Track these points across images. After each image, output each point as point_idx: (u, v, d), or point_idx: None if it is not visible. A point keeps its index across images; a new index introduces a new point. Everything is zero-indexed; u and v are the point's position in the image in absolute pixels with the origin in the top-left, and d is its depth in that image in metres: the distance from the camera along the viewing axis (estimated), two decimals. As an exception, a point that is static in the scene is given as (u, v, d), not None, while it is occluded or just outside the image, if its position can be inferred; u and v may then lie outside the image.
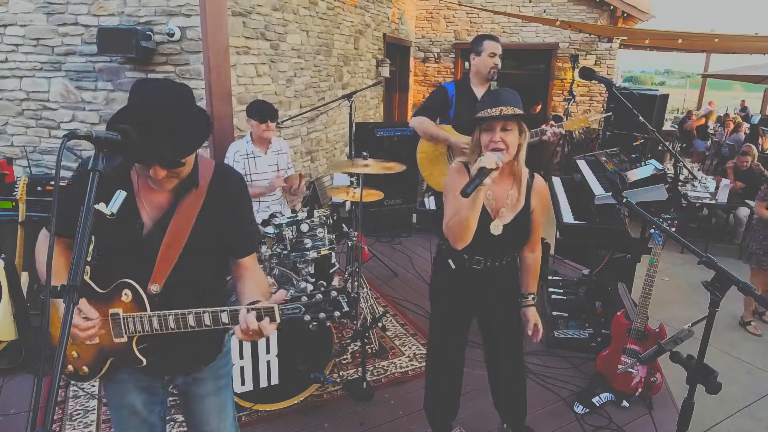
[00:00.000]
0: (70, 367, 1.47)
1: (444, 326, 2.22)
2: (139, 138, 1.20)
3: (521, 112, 1.83)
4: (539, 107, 9.30)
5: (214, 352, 1.61)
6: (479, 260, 2.02)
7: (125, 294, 1.37)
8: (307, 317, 1.28)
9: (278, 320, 1.28)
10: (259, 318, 1.27)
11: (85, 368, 1.46)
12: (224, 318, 1.32)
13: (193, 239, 1.41)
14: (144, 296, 1.36)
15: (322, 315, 1.28)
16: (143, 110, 1.23)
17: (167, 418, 2.57)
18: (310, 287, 3.51)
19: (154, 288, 1.38)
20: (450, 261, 2.06)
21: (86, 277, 1.42)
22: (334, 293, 1.29)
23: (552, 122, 3.18)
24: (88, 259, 1.36)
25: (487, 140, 1.83)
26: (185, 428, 2.53)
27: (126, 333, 1.37)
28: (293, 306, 1.28)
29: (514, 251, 2.10)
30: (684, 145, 11.83)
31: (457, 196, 1.69)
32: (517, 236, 2.01)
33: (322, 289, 1.30)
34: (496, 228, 1.93)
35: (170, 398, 2.64)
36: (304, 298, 1.28)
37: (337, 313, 1.29)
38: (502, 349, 2.24)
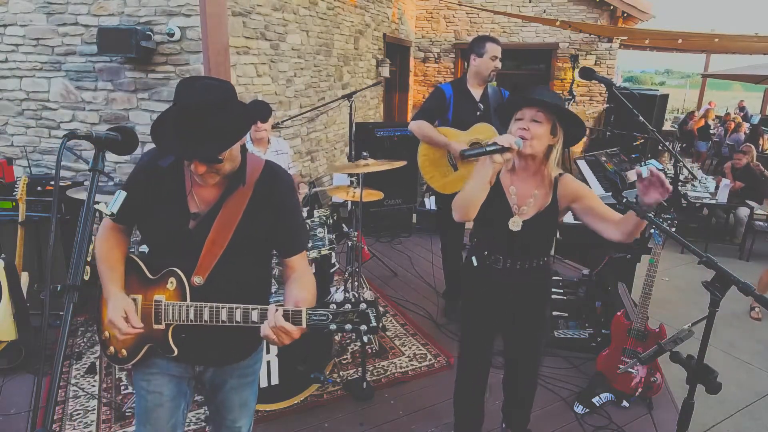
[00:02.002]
0: (112, 349, 1.51)
1: (469, 324, 2.21)
2: (178, 135, 1.27)
3: (553, 103, 1.80)
4: None
5: (248, 350, 1.63)
6: (498, 259, 1.99)
7: (170, 282, 1.41)
8: (333, 326, 1.28)
9: (304, 325, 1.28)
10: (286, 318, 1.28)
11: (125, 351, 1.49)
12: (254, 316, 1.34)
13: (238, 235, 1.44)
14: (187, 286, 1.40)
15: (348, 326, 1.27)
16: (183, 109, 1.28)
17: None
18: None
19: (197, 280, 1.41)
20: (473, 258, 2.06)
21: (139, 262, 1.49)
22: (363, 306, 1.28)
23: None
24: (88, 258, 1.37)
25: (515, 128, 1.83)
26: (184, 428, 2.54)
27: (164, 320, 1.41)
28: (321, 312, 1.28)
29: (535, 254, 2.01)
30: (684, 145, 11.84)
31: (473, 176, 1.76)
32: (537, 235, 1.95)
33: (353, 300, 1.30)
34: (514, 224, 1.90)
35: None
36: (333, 306, 1.29)
37: (363, 327, 1.28)
38: (520, 355, 2.20)
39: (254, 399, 1.75)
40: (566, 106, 1.88)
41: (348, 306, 1.28)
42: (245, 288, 1.47)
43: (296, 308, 1.29)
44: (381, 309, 3.79)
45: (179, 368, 1.56)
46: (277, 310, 1.29)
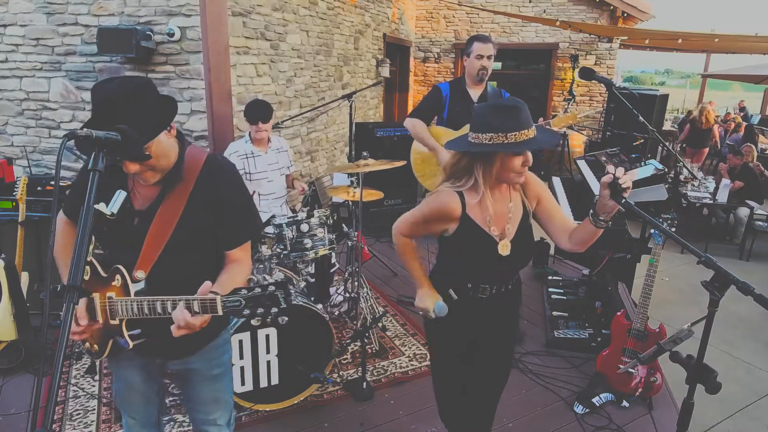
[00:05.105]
0: (87, 344, 1.55)
1: (449, 360, 1.95)
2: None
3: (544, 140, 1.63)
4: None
5: (203, 340, 1.64)
6: (485, 288, 1.78)
7: (117, 279, 1.43)
8: (247, 311, 1.28)
9: (220, 312, 1.30)
10: (204, 309, 1.31)
11: (96, 346, 1.53)
12: (195, 307, 1.35)
13: (180, 230, 1.47)
14: (129, 281, 1.42)
15: (260, 310, 1.28)
16: (97, 111, 1.34)
17: (167, 418, 2.58)
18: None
19: (139, 274, 1.45)
20: (451, 292, 1.79)
21: (94, 261, 1.50)
22: (271, 288, 1.27)
23: (541, 119, 3.18)
24: (88, 259, 1.37)
25: (519, 164, 1.60)
26: (184, 429, 2.54)
27: (117, 316, 1.44)
28: (234, 299, 1.29)
29: (521, 269, 1.89)
30: (684, 146, 11.82)
31: (412, 273, 1.86)
32: (525, 249, 1.79)
33: (264, 283, 1.30)
34: (504, 248, 1.71)
35: (171, 398, 2.65)
36: (244, 291, 1.29)
37: (274, 310, 1.28)
38: (488, 374, 1.98)
39: (228, 392, 1.78)
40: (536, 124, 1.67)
41: (258, 290, 1.28)
42: (191, 282, 1.46)
43: (211, 297, 1.30)
44: (381, 309, 3.79)
45: (143, 359, 1.63)
46: (187, 301, 1.32)
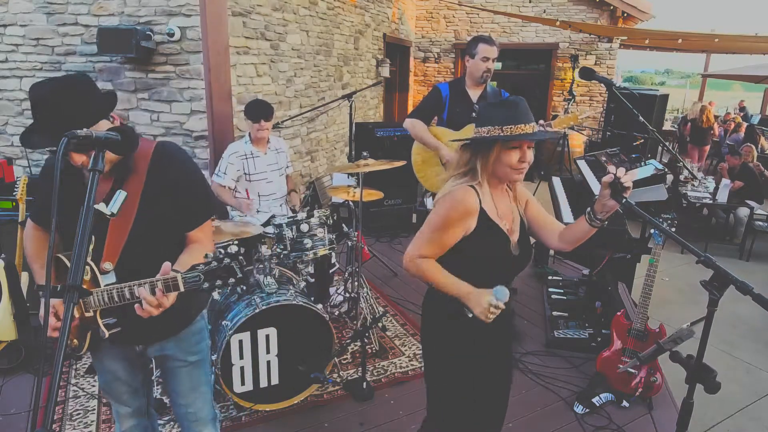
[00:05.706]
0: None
1: (470, 385, 1.79)
2: (35, 130, 1.39)
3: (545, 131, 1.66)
4: None
5: (178, 324, 1.69)
6: None
7: (86, 272, 1.45)
8: (206, 284, 1.34)
9: (182, 289, 1.35)
10: (167, 287, 1.36)
11: (75, 341, 1.55)
12: (159, 286, 1.39)
13: (140, 220, 1.51)
14: (97, 273, 1.46)
15: (218, 282, 1.34)
16: (35, 110, 1.40)
17: (167, 418, 2.58)
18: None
19: (107, 266, 1.49)
20: (465, 309, 1.63)
21: (64, 258, 1.52)
22: (227, 260, 1.34)
23: (541, 121, 3.17)
24: (88, 259, 1.37)
25: (516, 159, 1.60)
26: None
27: (91, 307, 1.47)
28: (193, 275, 1.34)
29: (522, 271, 1.83)
30: (688, 141, 11.82)
31: (451, 287, 1.61)
32: (528, 250, 1.78)
33: (219, 256, 1.35)
34: (515, 249, 1.70)
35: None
36: (202, 266, 1.34)
37: (231, 280, 1.35)
38: (499, 382, 1.87)
39: (206, 383, 1.81)
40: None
41: (214, 264, 1.34)
42: (159, 268, 1.45)
43: (172, 276, 1.35)
44: (381, 309, 3.79)
45: (122, 348, 1.67)
46: (148, 284, 1.36)
